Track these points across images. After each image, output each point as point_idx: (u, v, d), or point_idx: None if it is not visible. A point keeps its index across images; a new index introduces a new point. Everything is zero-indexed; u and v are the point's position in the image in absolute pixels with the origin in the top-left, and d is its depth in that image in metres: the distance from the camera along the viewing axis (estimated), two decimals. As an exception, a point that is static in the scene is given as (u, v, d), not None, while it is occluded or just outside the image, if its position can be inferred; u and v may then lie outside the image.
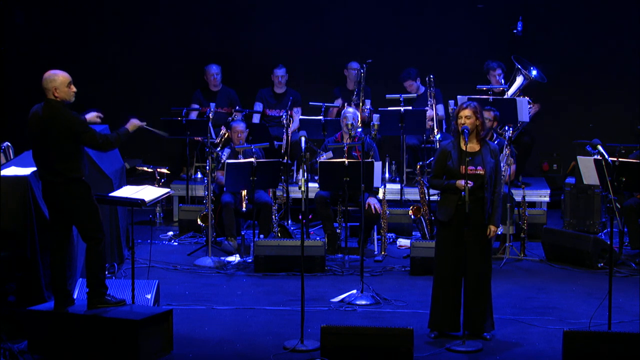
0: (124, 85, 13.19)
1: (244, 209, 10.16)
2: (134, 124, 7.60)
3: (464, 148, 7.44)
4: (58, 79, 7.23)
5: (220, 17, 13.30)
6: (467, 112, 7.50)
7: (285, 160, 11.07)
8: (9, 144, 9.41)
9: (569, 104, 13.08)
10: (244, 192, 10.14)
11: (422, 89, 12.16)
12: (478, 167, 7.48)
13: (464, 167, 7.40)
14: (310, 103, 12.07)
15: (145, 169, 12.16)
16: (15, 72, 12.15)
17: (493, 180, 7.51)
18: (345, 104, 11.74)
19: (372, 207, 9.96)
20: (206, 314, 8.26)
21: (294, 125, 11.97)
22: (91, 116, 7.84)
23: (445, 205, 7.54)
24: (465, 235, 7.38)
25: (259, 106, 12.44)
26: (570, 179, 11.34)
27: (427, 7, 13.05)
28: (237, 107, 12.19)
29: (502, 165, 9.80)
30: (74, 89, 7.30)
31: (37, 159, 7.29)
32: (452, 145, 7.58)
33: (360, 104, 11.85)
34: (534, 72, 11.75)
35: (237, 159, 10.25)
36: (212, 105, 11.32)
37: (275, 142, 11.47)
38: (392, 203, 11.03)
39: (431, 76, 11.87)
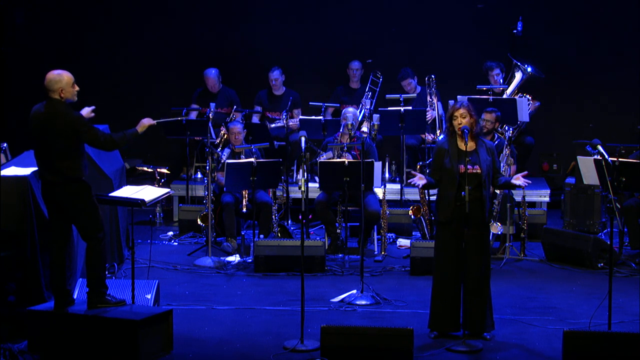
0: (124, 85, 13.18)
1: (244, 210, 10.16)
2: (143, 124, 7.53)
3: (464, 148, 7.43)
4: (63, 80, 7.21)
5: (220, 17, 13.30)
6: (462, 110, 7.49)
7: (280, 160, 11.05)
8: (6, 144, 9.40)
9: (569, 104, 13.08)
10: (245, 193, 10.14)
11: (419, 88, 12.15)
12: (475, 167, 7.48)
13: (463, 167, 7.39)
14: (310, 103, 12.06)
15: (145, 169, 12.16)
16: (15, 72, 12.15)
17: (490, 178, 7.52)
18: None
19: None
20: (206, 314, 8.25)
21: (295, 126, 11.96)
22: (86, 112, 7.73)
23: (442, 204, 7.54)
24: (464, 235, 7.38)
25: (257, 109, 12.37)
26: (570, 179, 11.34)
27: (427, 7, 13.04)
28: (236, 107, 12.17)
29: (502, 165, 9.80)
30: (77, 88, 7.30)
31: (39, 158, 7.27)
32: (448, 144, 7.57)
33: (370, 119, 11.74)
34: (529, 69, 11.75)
35: (237, 159, 10.25)
36: (212, 105, 11.31)
37: (275, 142, 11.46)
38: (392, 203, 11.02)
39: (432, 76, 11.87)
